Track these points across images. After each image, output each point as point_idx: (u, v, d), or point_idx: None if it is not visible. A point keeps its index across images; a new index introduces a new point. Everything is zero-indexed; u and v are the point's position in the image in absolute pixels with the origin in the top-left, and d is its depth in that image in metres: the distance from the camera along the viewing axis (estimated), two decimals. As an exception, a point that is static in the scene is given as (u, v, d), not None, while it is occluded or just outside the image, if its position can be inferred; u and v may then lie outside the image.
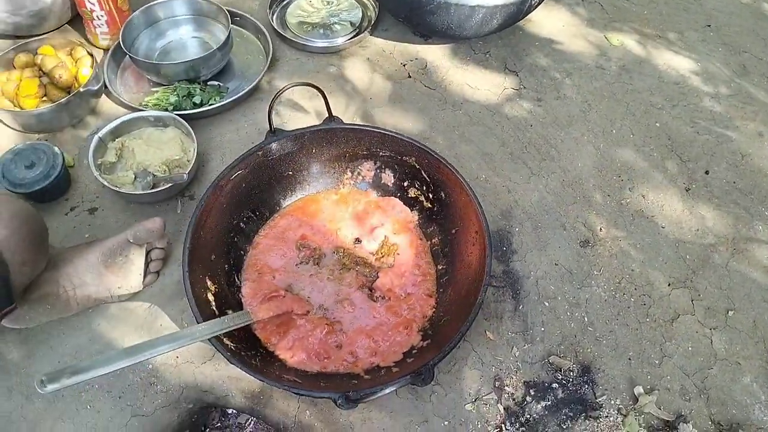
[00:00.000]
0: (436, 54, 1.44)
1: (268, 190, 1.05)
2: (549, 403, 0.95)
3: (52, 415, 0.92)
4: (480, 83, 1.38)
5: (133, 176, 1.15)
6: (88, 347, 0.98)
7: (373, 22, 1.46)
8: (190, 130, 1.16)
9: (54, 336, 0.98)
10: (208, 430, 1.12)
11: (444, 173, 0.97)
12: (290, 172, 1.06)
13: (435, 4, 1.24)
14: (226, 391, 0.97)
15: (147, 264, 1.03)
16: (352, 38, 1.42)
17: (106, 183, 1.08)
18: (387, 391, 0.75)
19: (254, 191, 1.02)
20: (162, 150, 1.17)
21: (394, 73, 1.39)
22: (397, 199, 1.07)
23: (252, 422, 1.06)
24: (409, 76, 1.39)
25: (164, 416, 0.95)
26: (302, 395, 0.77)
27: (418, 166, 1.02)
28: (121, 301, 1.02)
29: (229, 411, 1.06)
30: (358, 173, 1.08)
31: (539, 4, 1.35)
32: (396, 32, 1.47)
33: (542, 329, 1.02)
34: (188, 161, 1.15)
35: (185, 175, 1.10)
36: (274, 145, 1.00)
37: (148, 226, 1.00)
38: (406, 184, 1.06)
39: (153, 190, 1.09)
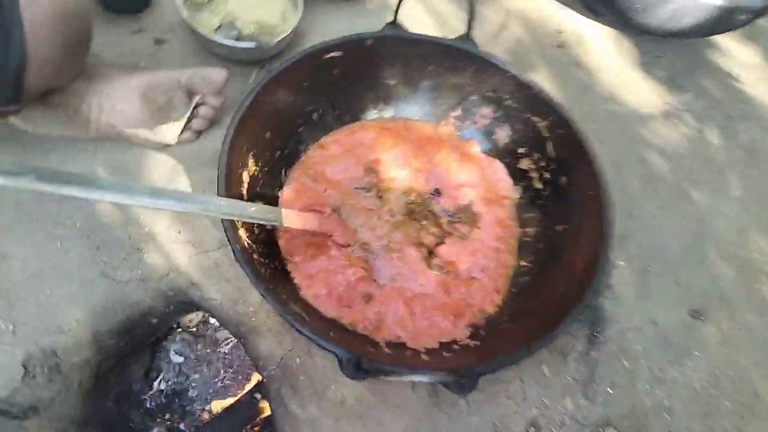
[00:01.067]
0: (600, 34, 1.20)
1: (361, 91, 0.85)
2: (585, 480, 0.73)
3: (17, 231, 0.76)
4: (638, 87, 1.14)
5: (218, 24, 0.97)
6: (87, 177, 0.81)
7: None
8: (301, 1, 0.98)
9: (54, 149, 0.82)
10: (180, 329, 0.95)
11: (579, 156, 0.75)
12: (393, 81, 0.85)
13: (631, -30, 1.00)
14: (215, 295, 0.79)
15: (190, 118, 0.85)
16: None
17: (186, 16, 0.91)
18: (414, 378, 0.55)
19: (344, 84, 0.82)
20: (260, 9, 0.99)
21: (545, 35, 1.16)
22: (502, 165, 0.86)
23: (231, 344, 0.88)
24: (560, 46, 1.16)
25: (137, 291, 0.78)
26: (304, 335, 0.57)
27: (546, 135, 0.80)
28: (144, 146, 0.84)
29: (211, 320, 0.89)
30: (471, 115, 0.87)
31: (745, 24, 1.10)
32: (565, -5, 1.24)
33: (610, 390, 0.79)
34: (283, 32, 0.96)
35: (274, 42, 0.91)
36: (388, 40, 0.80)
37: (209, 75, 0.83)
38: (521, 150, 0.85)
39: (233, 43, 0.91)
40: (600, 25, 1.21)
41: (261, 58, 0.97)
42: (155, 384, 0.93)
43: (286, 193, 0.78)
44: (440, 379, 0.55)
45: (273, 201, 0.76)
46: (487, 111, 0.86)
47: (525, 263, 0.79)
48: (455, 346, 0.70)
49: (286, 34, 0.93)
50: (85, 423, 0.78)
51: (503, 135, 0.86)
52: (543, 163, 0.82)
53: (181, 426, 0.91)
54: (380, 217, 0.79)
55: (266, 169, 0.75)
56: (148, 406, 0.92)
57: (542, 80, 1.09)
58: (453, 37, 0.83)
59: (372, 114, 0.87)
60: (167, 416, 0.92)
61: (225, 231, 0.62)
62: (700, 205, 1.00)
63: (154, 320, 0.84)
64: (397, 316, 0.72)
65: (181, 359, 0.95)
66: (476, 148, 0.87)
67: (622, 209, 0.96)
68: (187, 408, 0.94)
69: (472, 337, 0.71)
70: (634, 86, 1.14)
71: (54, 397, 0.75)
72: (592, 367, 0.81)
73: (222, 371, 0.96)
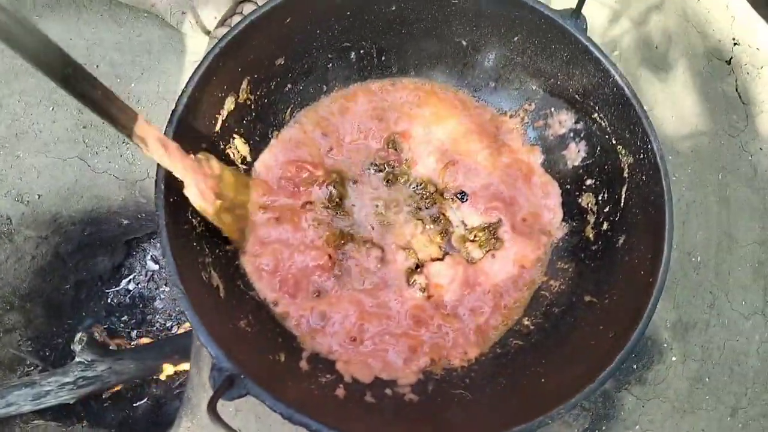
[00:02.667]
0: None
1: (420, 40, 0.67)
2: None
3: (20, 80, 0.71)
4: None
5: None
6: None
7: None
8: None
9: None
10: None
11: (654, 222, 0.54)
12: (464, 42, 0.66)
13: None
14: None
15: (232, 14, 0.74)
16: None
17: None
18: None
19: (400, 26, 0.65)
20: None
21: (710, 37, 0.88)
22: (560, 191, 0.66)
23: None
24: (727, 61, 0.87)
25: (108, 185, 0.72)
26: (186, 316, 0.47)
27: (626, 175, 0.59)
28: (175, 29, 0.75)
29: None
30: (545, 116, 0.66)
31: None
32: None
33: None
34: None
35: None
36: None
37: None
38: (589, 182, 0.64)
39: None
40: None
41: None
42: (123, 282, 0.90)
43: (282, 136, 0.65)
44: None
45: (260, 142, 0.64)
46: (566, 118, 0.65)
47: (528, 323, 0.61)
48: (387, 391, 0.55)
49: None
50: (30, 297, 0.76)
51: (575, 155, 0.65)
52: (607, 209, 0.61)
53: (133, 334, 0.87)
54: (375, 197, 0.64)
55: (265, 100, 0.63)
56: (109, 300, 0.89)
57: (670, 99, 0.83)
58: (558, 9, 0.62)
59: (424, 73, 0.70)
60: (124, 318, 0.88)
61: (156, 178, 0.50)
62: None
63: (125, 221, 0.78)
64: (343, 327, 0.58)
65: (156, 267, 0.90)
66: (537, 158, 0.67)
67: (702, 292, 0.72)
68: (148, 317, 0.89)
69: (415, 387, 0.56)
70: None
71: (0, 263, 0.72)
72: (569, 473, 0.63)
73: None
